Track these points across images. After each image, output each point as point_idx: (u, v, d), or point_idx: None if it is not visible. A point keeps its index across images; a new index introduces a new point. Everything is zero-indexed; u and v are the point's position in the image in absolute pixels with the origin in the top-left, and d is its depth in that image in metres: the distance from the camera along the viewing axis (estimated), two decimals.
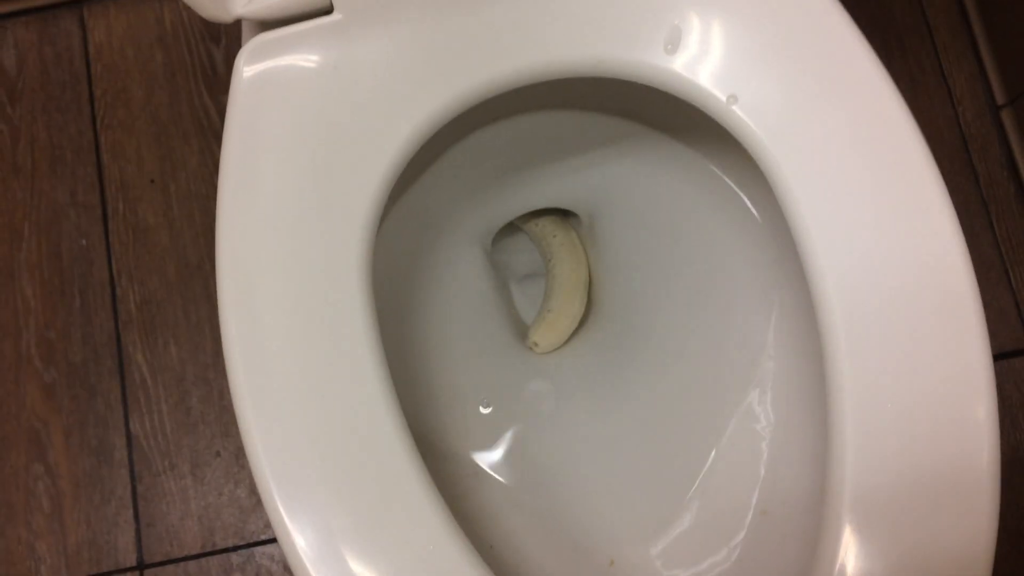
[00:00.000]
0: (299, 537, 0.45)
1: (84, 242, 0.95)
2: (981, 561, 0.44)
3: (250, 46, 0.48)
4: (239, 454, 0.90)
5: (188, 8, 1.00)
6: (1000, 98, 0.93)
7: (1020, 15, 0.89)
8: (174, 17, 1.01)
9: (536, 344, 0.68)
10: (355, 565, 0.44)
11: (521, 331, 0.70)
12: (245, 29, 0.53)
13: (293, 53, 0.48)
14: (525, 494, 0.59)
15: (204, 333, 0.93)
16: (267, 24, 0.49)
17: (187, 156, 0.97)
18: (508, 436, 0.62)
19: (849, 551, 0.43)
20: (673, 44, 0.48)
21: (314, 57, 0.48)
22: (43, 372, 0.92)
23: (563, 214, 0.73)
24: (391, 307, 0.59)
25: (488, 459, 0.61)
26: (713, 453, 0.60)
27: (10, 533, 0.89)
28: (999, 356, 0.89)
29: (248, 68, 0.48)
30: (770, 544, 0.54)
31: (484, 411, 0.62)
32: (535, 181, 0.67)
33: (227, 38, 1.00)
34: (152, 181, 0.97)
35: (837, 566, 0.43)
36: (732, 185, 0.60)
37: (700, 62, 0.48)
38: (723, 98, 0.48)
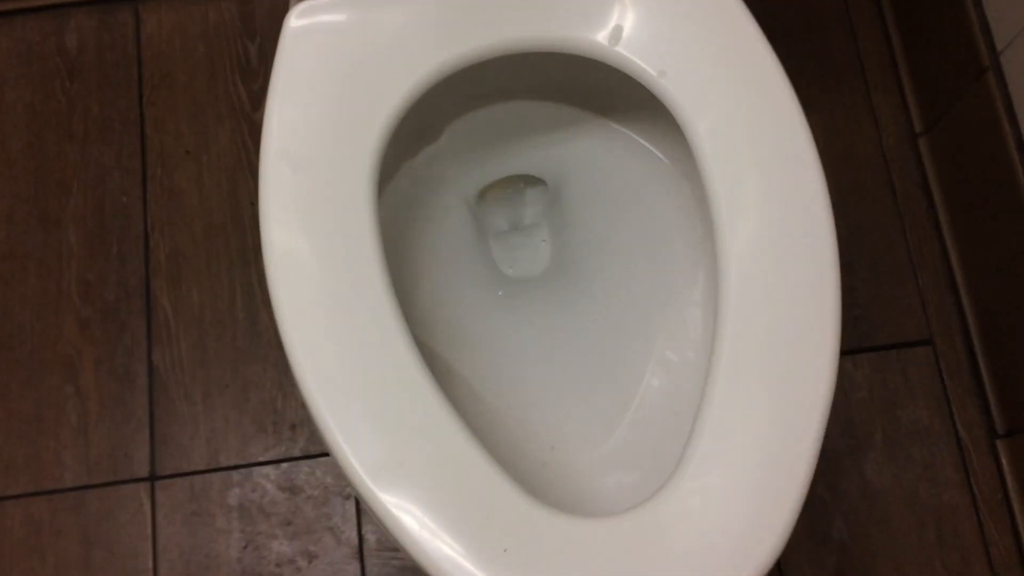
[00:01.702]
0: (328, 406, 0.57)
1: (124, 200, 1.10)
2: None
3: (299, 7, 0.63)
4: (245, 387, 1.03)
5: (230, 8, 1.16)
6: (918, 127, 1.09)
7: (935, 53, 1.04)
8: (217, 16, 1.17)
9: None
10: (369, 426, 0.56)
11: (495, 274, 0.84)
12: None
13: (331, 14, 0.63)
14: (486, 391, 0.73)
15: (223, 284, 1.07)
16: None
17: (219, 133, 1.12)
18: (477, 345, 0.76)
19: None
20: (618, 28, 0.63)
21: (344, 17, 0.63)
22: (80, 308, 1.06)
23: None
24: (390, 240, 0.74)
25: (458, 361, 0.74)
26: (644, 380, 0.74)
27: (41, 443, 1.01)
28: (903, 344, 1.03)
29: (296, 22, 0.62)
30: None
31: (462, 324, 0.76)
32: (511, 154, 0.82)
33: (261, 36, 1.16)
34: (187, 152, 1.11)
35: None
36: (665, 160, 0.75)
37: (637, 44, 0.63)
38: (655, 73, 0.63)
